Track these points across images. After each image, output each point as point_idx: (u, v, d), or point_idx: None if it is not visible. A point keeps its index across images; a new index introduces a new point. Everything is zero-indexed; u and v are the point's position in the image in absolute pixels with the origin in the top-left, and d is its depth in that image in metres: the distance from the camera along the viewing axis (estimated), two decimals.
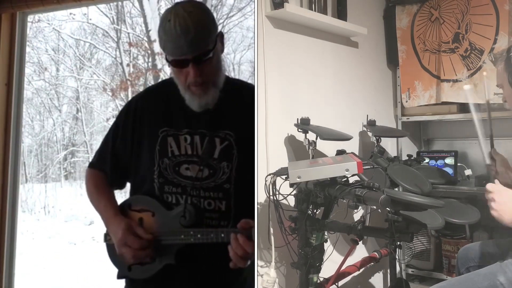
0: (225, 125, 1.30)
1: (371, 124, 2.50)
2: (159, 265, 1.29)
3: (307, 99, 2.22)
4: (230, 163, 1.28)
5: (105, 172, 1.43)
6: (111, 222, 1.33)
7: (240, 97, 1.34)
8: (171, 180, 1.30)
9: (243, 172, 1.29)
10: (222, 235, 1.22)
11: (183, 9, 1.20)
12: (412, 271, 2.81)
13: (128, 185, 1.46)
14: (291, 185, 1.67)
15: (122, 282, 1.40)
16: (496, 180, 1.48)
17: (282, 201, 1.75)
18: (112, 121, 1.50)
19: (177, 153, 1.30)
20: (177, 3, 1.24)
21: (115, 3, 7.52)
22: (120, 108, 1.49)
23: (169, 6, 1.29)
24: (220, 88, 1.29)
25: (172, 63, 1.25)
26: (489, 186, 1.45)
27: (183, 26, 1.17)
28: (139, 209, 1.33)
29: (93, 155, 1.53)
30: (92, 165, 1.47)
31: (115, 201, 1.41)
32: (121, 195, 1.48)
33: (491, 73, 2.43)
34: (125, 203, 1.38)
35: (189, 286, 1.31)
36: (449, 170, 2.73)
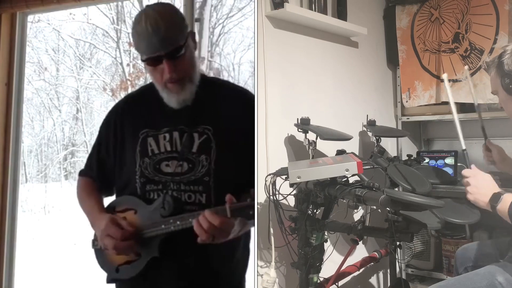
0: (203, 120, 1.33)
1: (371, 124, 2.49)
2: (145, 259, 1.31)
3: (307, 99, 2.22)
4: (208, 156, 1.30)
5: (93, 179, 1.48)
6: (96, 218, 1.38)
7: (215, 92, 1.38)
8: (152, 178, 1.33)
9: (222, 165, 1.31)
10: None
11: (152, 9, 1.26)
12: (412, 271, 2.81)
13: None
14: (291, 185, 1.67)
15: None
16: (472, 165, 1.49)
17: (282, 201, 1.75)
18: None
19: (157, 152, 1.33)
20: (147, 6, 1.30)
21: (115, 3, 7.51)
22: None
23: None
24: (196, 84, 1.33)
25: (147, 61, 1.28)
26: (464, 171, 1.48)
27: (153, 24, 1.22)
28: (123, 209, 1.36)
29: None
30: (81, 173, 1.52)
31: (102, 203, 1.45)
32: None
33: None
34: (109, 206, 1.41)
35: (177, 278, 1.32)
36: (449, 170, 2.73)
